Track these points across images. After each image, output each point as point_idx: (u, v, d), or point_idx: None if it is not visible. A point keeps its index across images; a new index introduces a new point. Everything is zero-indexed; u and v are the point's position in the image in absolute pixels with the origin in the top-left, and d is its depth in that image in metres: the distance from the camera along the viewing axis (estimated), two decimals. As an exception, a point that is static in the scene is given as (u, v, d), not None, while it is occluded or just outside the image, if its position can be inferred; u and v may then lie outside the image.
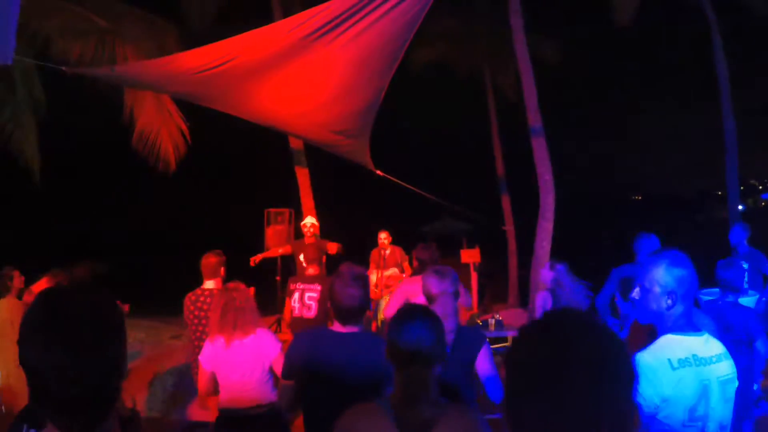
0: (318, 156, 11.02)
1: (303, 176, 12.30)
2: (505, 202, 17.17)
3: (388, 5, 4.49)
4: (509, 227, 16.60)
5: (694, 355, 2.28)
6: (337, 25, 4.67)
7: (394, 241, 9.59)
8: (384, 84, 5.87)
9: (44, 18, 8.70)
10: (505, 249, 17.15)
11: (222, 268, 5.26)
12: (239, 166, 35.10)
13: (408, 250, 8.71)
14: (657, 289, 2.38)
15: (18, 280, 6.16)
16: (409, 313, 2.28)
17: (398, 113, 27.50)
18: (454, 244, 19.41)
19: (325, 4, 4.51)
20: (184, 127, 9.13)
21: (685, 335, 2.34)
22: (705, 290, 4.84)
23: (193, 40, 7.47)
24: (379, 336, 3.30)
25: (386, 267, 9.33)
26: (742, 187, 15.76)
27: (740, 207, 15.32)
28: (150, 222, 28.70)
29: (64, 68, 6.62)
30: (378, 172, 8.76)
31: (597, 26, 19.21)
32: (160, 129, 9.04)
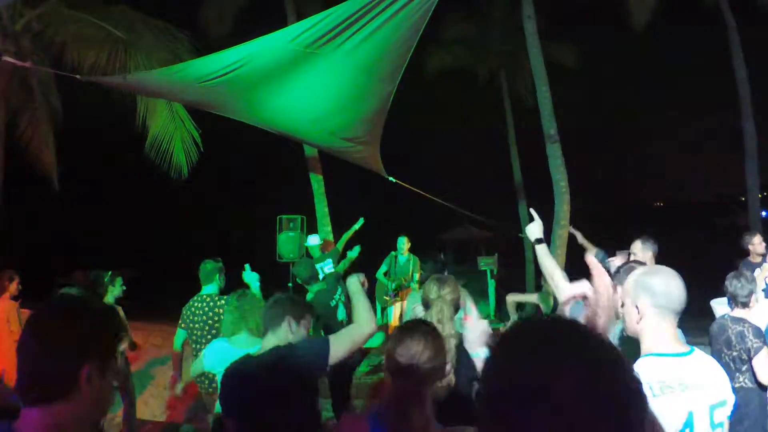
0: (333, 163, 11.03)
1: (317, 183, 12.31)
2: (523, 209, 17.07)
3: (391, 9, 4.44)
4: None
5: (679, 379, 2.02)
6: (342, 30, 4.63)
7: (412, 249, 9.47)
8: (391, 90, 5.80)
9: (59, 26, 8.81)
10: (522, 256, 17.02)
11: (218, 275, 5.24)
12: (252, 173, 35.29)
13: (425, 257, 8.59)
14: (628, 301, 2.20)
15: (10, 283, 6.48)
16: (410, 326, 2.27)
17: (415, 119, 27.44)
18: (472, 251, 19.30)
19: (331, 9, 4.48)
20: (196, 134, 9.18)
21: (668, 356, 2.08)
22: (718, 299, 4.69)
23: (207, 49, 7.49)
24: None
25: (398, 274, 9.26)
26: (765, 193, 15.45)
27: (762, 213, 15.04)
28: (163, 228, 28.94)
29: (78, 76, 6.65)
30: (390, 178, 8.68)
31: (614, 31, 19.05)
32: (173, 136, 9.10)
